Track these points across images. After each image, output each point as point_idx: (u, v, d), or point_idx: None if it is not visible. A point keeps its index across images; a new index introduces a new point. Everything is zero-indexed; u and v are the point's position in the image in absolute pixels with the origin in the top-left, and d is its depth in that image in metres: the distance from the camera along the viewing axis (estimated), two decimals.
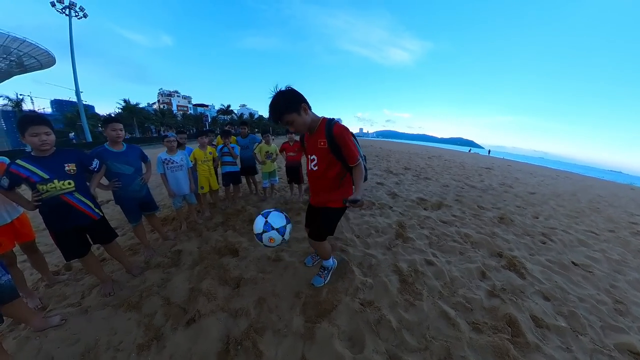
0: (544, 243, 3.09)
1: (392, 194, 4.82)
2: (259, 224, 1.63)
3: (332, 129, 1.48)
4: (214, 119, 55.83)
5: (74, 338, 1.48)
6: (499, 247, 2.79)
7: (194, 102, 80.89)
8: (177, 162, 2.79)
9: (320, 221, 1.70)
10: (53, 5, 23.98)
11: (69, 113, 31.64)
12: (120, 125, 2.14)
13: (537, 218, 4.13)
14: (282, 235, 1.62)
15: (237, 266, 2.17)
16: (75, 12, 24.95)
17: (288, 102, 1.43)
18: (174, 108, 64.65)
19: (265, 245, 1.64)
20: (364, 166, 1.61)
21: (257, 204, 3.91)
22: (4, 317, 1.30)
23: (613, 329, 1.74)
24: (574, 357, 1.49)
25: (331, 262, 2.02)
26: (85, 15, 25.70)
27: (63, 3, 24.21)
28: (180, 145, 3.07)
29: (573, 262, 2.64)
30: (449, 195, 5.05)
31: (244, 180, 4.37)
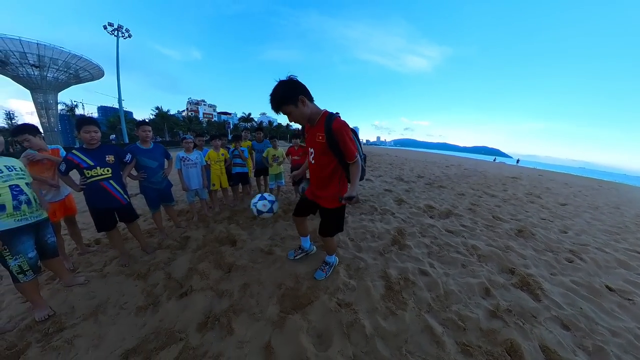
0: (571, 262, 2.63)
1: (398, 201, 4.56)
2: (255, 198, 2.06)
3: (332, 123, 1.45)
4: (235, 125, 59.12)
5: (92, 295, 1.82)
6: (511, 263, 2.42)
7: (218, 110, 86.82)
8: (192, 160, 3.16)
9: (327, 222, 1.80)
10: (105, 28, 27.81)
11: (112, 118, 35.93)
12: (149, 127, 2.59)
13: (566, 233, 3.56)
14: (272, 205, 2.01)
15: (232, 254, 2.33)
16: (122, 33, 28.67)
17: (286, 93, 1.42)
18: (200, 115, 69.89)
19: (258, 210, 2.00)
20: (362, 166, 1.60)
21: None
22: (43, 270, 1.72)
23: None
24: None
25: (334, 258, 2.08)
26: (130, 36, 29.38)
27: (113, 26, 27.96)
28: (197, 147, 3.46)
29: (607, 287, 2.18)
30: (461, 204, 4.63)
31: (253, 181, 4.58)
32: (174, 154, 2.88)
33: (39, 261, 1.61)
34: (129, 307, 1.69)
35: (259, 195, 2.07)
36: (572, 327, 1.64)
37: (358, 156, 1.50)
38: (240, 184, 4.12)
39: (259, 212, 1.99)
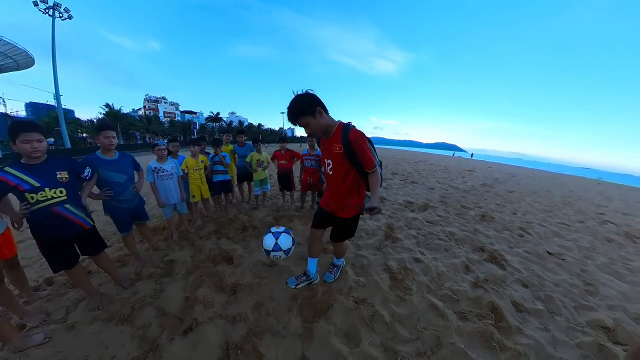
0: (522, 236, 3.32)
1: (380, 198, 4.96)
2: (268, 242, 1.82)
3: (349, 134, 1.47)
4: (202, 126, 54.86)
5: (61, 356, 1.39)
6: (481, 243, 2.95)
7: (181, 108, 79.11)
8: (167, 171, 2.71)
9: (342, 230, 1.83)
10: (36, 4, 22.09)
11: (46, 117, 29.08)
12: (114, 133, 2.09)
13: (515, 214, 4.41)
14: (287, 255, 1.87)
15: (232, 273, 2.14)
16: (60, 13, 23.13)
17: (303, 105, 1.45)
18: (161, 114, 62.80)
19: (271, 254, 1.84)
20: (380, 174, 1.63)
21: (249, 212, 3.86)
22: None
23: (585, 308, 1.91)
24: (551, 335, 1.61)
25: (342, 261, 2.17)
26: (70, 17, 24.20)
27: (46, 3, 22.36)
28: (172, 154, 3.01)
29: (548, 252, 2.85)
30: (434, 198, 5.27)
31: (236, 189, 4.36)
32: (143, 162, 2.46)
33: None
34: None
35: (272, 242, 1.80)
36: (529, 285, 2.15)
37: (377, 165, 1.52)
38: (222, 193, 3.75)
39: (273, 254, 1.81)
